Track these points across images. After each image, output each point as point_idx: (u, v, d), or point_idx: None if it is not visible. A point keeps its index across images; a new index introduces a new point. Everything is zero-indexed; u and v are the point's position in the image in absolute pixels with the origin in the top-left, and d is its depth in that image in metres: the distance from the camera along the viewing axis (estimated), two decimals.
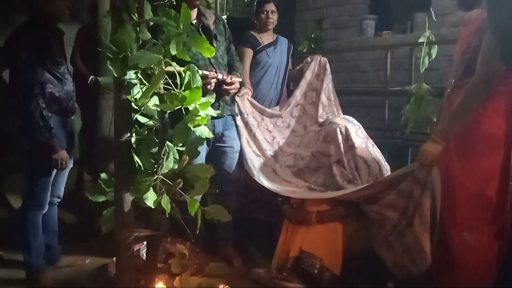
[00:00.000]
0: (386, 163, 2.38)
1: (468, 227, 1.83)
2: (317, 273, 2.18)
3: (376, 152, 2.39)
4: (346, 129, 2.37)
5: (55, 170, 2.24)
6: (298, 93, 2.90)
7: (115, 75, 1.38)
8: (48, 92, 2.15)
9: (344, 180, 2.32)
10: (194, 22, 2.32)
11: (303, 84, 2.90)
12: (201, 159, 2.32)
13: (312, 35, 3.94)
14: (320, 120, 2.74)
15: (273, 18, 3.00)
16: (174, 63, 1.41)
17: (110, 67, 1.37)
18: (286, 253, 2.34)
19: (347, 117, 2.47)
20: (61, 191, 2.42)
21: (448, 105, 1.96)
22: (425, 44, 2.90)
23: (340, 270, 2.22)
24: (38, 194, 2.24)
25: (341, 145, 2.35)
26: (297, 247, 2.28)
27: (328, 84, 2.86)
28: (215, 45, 2.36)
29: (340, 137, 2.36)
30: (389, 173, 2.36)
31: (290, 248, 2.32)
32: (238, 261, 2.54)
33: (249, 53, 2.98)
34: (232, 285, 2.13)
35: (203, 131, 1.53)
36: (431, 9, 3.13)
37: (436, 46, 2.96)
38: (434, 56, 2.96)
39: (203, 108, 1.47)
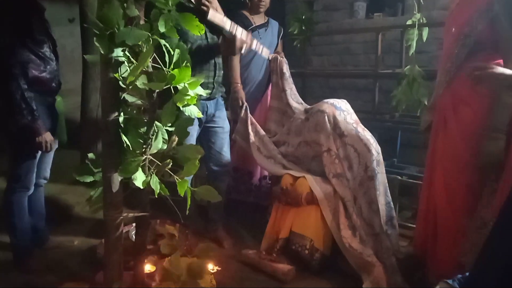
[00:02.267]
0: (377, 145, 2.36)
1: (469, 212, 1.86)
2: (307, 254, 2.19)
3: (367, 136, 2.34)
4: (334, 117, 2.34)
5: (39, 152, 2.19)
6: (274, 103, 2.93)
7: (102, 52, 1.34)
8: (30, 73, 2.09)
9: (330, 173, 2.30)
10: None
11: (274, 92, 2.92)
12: (192, 140, 2.32)
13: (303, 17, 3.88)
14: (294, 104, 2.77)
15: (266, 1, 2.96)
16: (162, 41, 1.37)
17: (97, 44, 1.34)
18: (276, 234, 2.35)
19: (335, 102, 2.41)
20: (47, 172, 2.39)
21: (449, 91, 1.91)
22: (417, 26, 2.88)
23: (330, 250, 2.24)
24: (23, 176, 2.20)
25: (330, 134, 2.33)
26: (287, 228, 2.29)
27: (291, 89, 2.85)
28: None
29: (328, 126, 2.33)
30: (380, 155, 2.35)
31: (280, 230, 2.33)
32: (228, 243, 2.54)
33: None
34: (222, 267, 2.14)
35: (193, 111, 1.50)
36: None
37: (427, 28, 2.94)
38: (425, 38, 2.94)
39: (193, 87, 1.45)
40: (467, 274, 1.17)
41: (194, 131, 2.35)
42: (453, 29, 1.92)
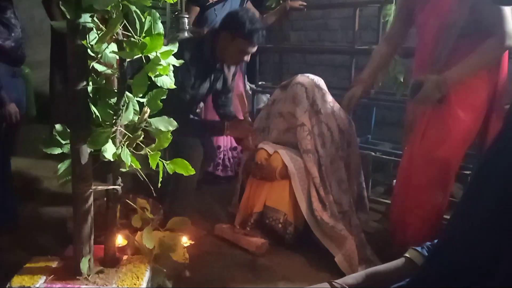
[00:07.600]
0: (352, 126, 2.37)
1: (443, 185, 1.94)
2: (280, 228, 2.21)
3: (342, 116, 2.35)
4: (314, 94, 2.31)
5: (4, 124, 2.11)
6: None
7: (68, 17, 1.28)
8: None
9: (301, 148, 2.28)
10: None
11: None
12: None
13: None
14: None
15: None
16: (133, 7, 1.31)
17: (63, 8, 1.27)
18: (250, 209, 2.35)
19: (315, 79, 2.37)
20: (14, 148, 2.30)
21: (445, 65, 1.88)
22: (394, 2, 2.86)
23: (304, 224, 2.26)
24: None
25: (307, 110, 2.30)
26: (261, 202, 2.29)
27: None
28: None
29: (306, 101, 2.30)
30: (353, 136, 2.36)
31: (254, 204, 2.33)
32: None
33: (195, 10, 3.09)
34: (195, 240, 2.13)
35: (165, 81, 1.46)
36: None
37: None
38: None
39: (165, 57, 1.40)
40: (436, 241, 1.19)
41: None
42: (432, 20, 1.89)
